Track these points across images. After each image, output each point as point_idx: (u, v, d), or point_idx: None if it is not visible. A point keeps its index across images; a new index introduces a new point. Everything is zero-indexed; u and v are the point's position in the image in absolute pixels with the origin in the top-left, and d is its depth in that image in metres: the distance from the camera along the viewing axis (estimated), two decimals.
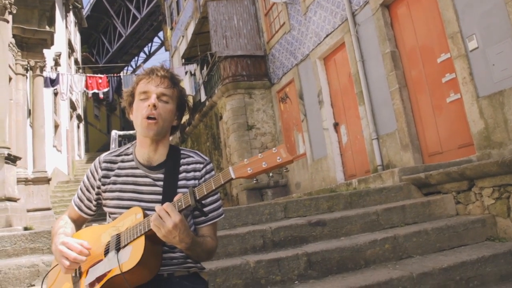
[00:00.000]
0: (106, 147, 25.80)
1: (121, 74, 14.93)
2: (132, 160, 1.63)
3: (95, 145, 26.01)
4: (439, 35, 5.67)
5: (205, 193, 1.33)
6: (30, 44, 9.82)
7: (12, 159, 7.10)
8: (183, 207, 1.35)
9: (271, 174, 1.76)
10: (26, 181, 9.13)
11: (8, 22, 7.66)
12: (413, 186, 4.20)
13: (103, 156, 1.68)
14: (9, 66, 8.30)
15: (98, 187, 1.64)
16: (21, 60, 9.68)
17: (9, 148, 7.13)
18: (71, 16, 19.74)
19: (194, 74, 12.53)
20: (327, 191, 5.54)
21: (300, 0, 9.02)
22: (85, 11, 24.34)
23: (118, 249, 1.41)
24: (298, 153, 9.77)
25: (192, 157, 1.64)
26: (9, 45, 8.03)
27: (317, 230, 3.34)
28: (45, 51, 10.44)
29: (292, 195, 7.87)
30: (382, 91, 6.65)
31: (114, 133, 4.72)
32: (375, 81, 6.83)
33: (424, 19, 5.94)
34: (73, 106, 18.62)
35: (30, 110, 10.34)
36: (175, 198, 1.39)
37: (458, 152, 5.42)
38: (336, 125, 8.29)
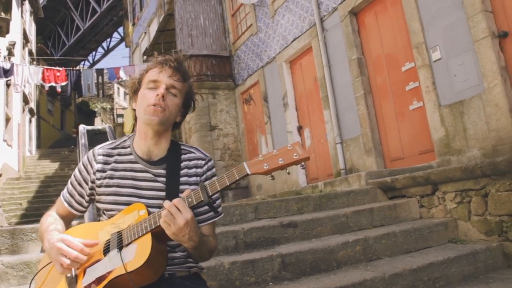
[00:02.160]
0: (59, 143, 24.87)
1: (79, 68, 14.45)
2: (130, 154, 1.54)
3: (48, 141, 24.97)
4: (404, 44, 5.86)
5: (219, 189, 1.28)
6: None
7: None
8: (194, 203, 1.30)
9: (288, 171, 1.77)
10: None
11: None
12: (379, 189, 4.32)
13: (98, 148, 1.58)
14: None
15: (93, 182, 1.53)
16: None
17: None
18: (26, 5, 18.88)
19: None
20: (292, 193, 5.59)
21: (269, 2, 9.07)
22: (41, 1, 23.35)
23: (120, 247, 1.32)
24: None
25: (193, 153, 1.59)
26: None
27: (289, 231, 3.36)
28: None
29: (255, 197, 7.88)
30: (347, 97, 6.79)
31: (83, 127, 4.54)
32: (341, 86, 6.97)
33: (390, 28, 6.12)
34: (25, 100, 17.79)
35: None
36: (184, 194, 1.33)
37: (419, 158, 5.62)
38: (300, 128, 8.38)
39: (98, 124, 31.71)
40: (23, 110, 17.66)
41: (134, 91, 1.56)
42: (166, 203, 1.29)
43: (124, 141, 1.60)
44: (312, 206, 3.99)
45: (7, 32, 9.84)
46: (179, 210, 1.27)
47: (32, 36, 21.06)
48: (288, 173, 1.31)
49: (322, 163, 7.70)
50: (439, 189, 3.78)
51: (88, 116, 33.43)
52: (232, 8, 11.11)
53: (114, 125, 20.18)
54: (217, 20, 11.36)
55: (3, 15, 9.42)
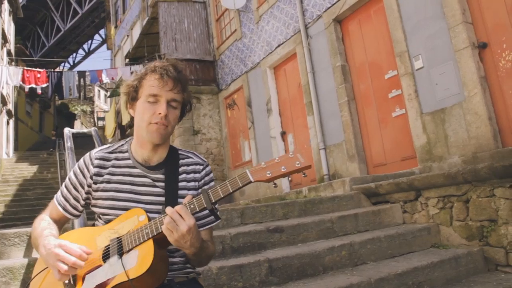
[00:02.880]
0: (37, 146, 24.41)
1: (60, 69, 14.22)
2: (128, 159, 1.52)
3: (25, 143, 24.48)
4: (387, 52, 5.97)
5: (222, 196, 1.28)
6: None
7: None
8: (197, 209, 1.29)
9: (289, 179, 1.78)
10: None
11: None
12: (363, 195, 4.38)
13: (95, 152, 1.56)
14: None
15: (89, 186, 1.51)
16: None
17: None
18: (5, 4, 18.54)
19: None
20: (276, 198, 5.62)
21: (254, 8, 9.13)
22: (21, 0, 22.96)
23: (121, 254, 1.31)
24: (243, 160, 9.82)
25: (191, 158, 1.58)
26: None
27: (275, 236, 3.38)
28: None
29: (238, 202, 7.88)
30: (331, 103, 6.88)
31: (68, 130, 4.49)
32: (324, 93, 7.05)
33: (374, 36, 6.23)
34: (3, 101, 17.43)
35: None
36: (185, 200, 1.33)
37: (401, 164, 5.72)
38: (283, 134, 8.44)
39: (78, 126, 31.27)
40: (1, 112, 17.30)
41: (131, 98, 1.52)
42: (169, 210, 1.29)
43: (122, 145, 1.58)
44: (298, 211, 4.02)
45: None
46: (182, 217, 1.27)
47: (11, 36, 20.67)
48: (291, 180, 1.33)
49: None
50: (422, 195, 3.86)
51: (68, 118, 32.93)
52: (216, 13, 11.13)
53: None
54: (201, 25, 11.37)
55: None
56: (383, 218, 3.88)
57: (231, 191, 1.28)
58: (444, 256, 3.17)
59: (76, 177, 1.54)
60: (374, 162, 6.25)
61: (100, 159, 1.53)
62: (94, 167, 1.52)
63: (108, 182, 1.50)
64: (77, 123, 34.29)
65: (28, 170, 15.37)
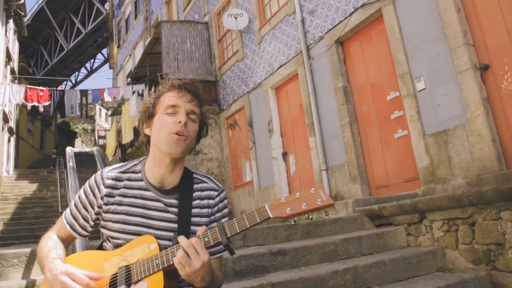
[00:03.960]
0: (38, 164, 24.36)
1: (62, 88, 14.29)
2: (141, 180, 1.46)
3: (26, 161, 24.45)
4: (389, 74, 5.99)
5: (238, 231, 1.24)
6: None
7: None
8: (211, 243, 1.24)
9: (310, 216, 1.71)
10: None
11: None
12: (366, 217, 4.33)
13: (106, 171, 1.49)
14: None
15: (99, 206, 1.45)
16: None
17: None
18: (11, 23, 18.75)
19: (142, 95, 12.28)
20: (278, 220, 5.54)
21: (256, 30, 9.21)
22: (26, 19, 23.22)
23: (128, 284, 1.25)
24: (244, 180, 9.78)
25: (206, 182, 1.53)
26: None
27: (278, 259, 3.32)
28: None
29: None
30: (333, 124, 6.87)
31: (70, 149, 4.46)
32: (326, 114, 7.05)
33: (375, 58, 6.27)
34: (5, 118, 17.47)
35: None
36: (200, 232, 1.27)
37: (404, 186, 5.68)
38: (284, 154, 8.41)
39: (79, 145, 31.26)
40: (2, 129, 17.32)
41: (148, 116, 1.49)
42: (184, 242, 1.23)
43: (135, 165, 1.52)
44: (300, 233, 3.96)
45: None
46: (197, 252, 1.22)
47: (15, 55, 20.85)
48: (311, 218, 1.29)
49: None
50: (426, 217, 3.81)
51: (69, 136, 32.97)
52: (218, 34, 11.24)
53: (94, 146, 19.89)
54: (204, 45, 11.46)
55: None
56: (387, 241, 3.83)
57: (248, 226, 1.24)
58: (450, 280, 3.11)
59: (87, 196, 1.48)
60: (376, 184, 6.21)
61: (112, 179, 1.47)
62: (106, 187, 1.46)
63: (119, 204, 1.44)
64: (77, 141, 34.32)
65: (28, 188, 15.30)
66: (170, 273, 1.26)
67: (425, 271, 3.44)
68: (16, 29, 20.22)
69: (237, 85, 10.09)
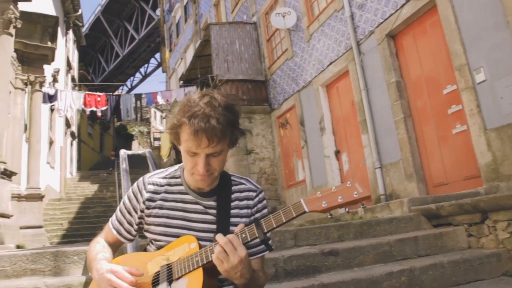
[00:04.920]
0: (98, 166, 25.53)
1: (118, 93, 14.90)
2: (181, 184, 1.50)
3: (87, 163, 25.72)
4: (445, 66, 5.71)
5: (274, 226, 1.24)
6: (31, 59, 9.78)
7: (7, 174, 6.95)
8: (249, 239, 1.25)
9: (347, 210, 1.69)
10: (19, 198, 8.93)
11: (12, 36, 7.64)
12: (423, 217, 4.14)
13: (148, 177, 1.54)
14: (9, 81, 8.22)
15: (142, 211, 1.50)
16: (21, 74, 9.61)
17: (5, 163, 6.99)
18: (70, 34, 19.79)
19: None
20: (331, 219, 5.44)
21: (304, 27, 9.12)
22: (83, 29, 24.44)
23: (170, 281, 1.29)
24: (297, 179, 9.71)
25: (244, 184, 1.54)
26: (10, 58, 7.97)
27: (330, 260, 3.25)
28: (44, 67, 10.39)
29: (292, 222, 7.76)
30: (386, 120, 6.66)
31: (123, 152, 4.65)
32: (379, 110, 6.84)
33: (430, 50, 6.00)
34: (67, 123, 18.47)
35: (26, 125, 10.21)
36: (237, 229, 1.29)
37: (464, 184, 5.39)
38: (337, 153, 8.26)
39: (136, 147, 32.44)
40: (65, 134, 18.32)
41: (174, 137, 1.43)
42: (221, 239, 1.25)
43: (175, 170, 1.56)
44: (353, 233, 3.86)
45: (53, 60, 10.28)
46: (234, 247, 1.23)
47: (75, 63, 22.01)
48: (348, 212, 1.25)
49: None
50: (489, 218, 3.58)
51: (126, 139, 34.31)
52: (267, 33, 11.24)
53: (151, 148, 20.59)
54: (253, 45, 11.51)
55: (49, 44, 9.86)
56: (446, 242, 3.63)
57: (284, 221, 1.23)
58: None
59: (130, 201, 1.53)
60: (434, 182, 5.94)
61: (153, 184, 1.51)
62: (147, 192, 1.50)
63: (161, 208, 1.48)
64: (134, 143, 35.63)
65: (89, 188, 16.08)
66: (210, 271, 1.28)
67: (489, 275, 3.23)
68: (75, 39, 21.31)
69: (287, 84, 10.04)
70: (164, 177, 1.53)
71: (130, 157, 4.52)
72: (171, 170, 1.57)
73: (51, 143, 14.76)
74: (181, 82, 15.62)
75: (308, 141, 9.15)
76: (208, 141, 1.31)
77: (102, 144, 30.61)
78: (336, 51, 8.00)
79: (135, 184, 1.56)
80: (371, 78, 7.05)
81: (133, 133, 36.89)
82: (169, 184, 1.51)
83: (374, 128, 6.94)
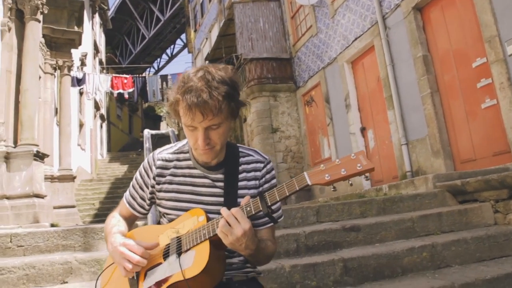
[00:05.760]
0: (127, 147, 26.09)
1: (146, 75, 15.09)
2: (189, 159, 1.52)
3: (117, 145, 26.31)
4: (474, 39, 5.52)
5: (278, 199, 1.25)
6: (59, 44, 9.97)
7: (40, 156, 7.19)
8: (253, 212, 1.27)
9: (350, 182, 1.69)
10: (52, 179, 9.26)
11: (39, 22, 7.78)
12: (448, 193, 4.08)
13: (157, 153, 1.57)
14: (39, 65, 8.44)
15: (152, 186, 1.54)
16: (50, 59, 9.83)
17: (37, 146, 7.23)
18: (97, 18, 20.04)
19: None
20: (355, 196, 5.44)
21: (328, 3, 8.94)
22: (109, 13, 24.66)
23: (179, 253, 1.33)
24: (323, 157, 9.67)
25: (251, 155, 1.54)
26: (39, 44, 8.16)
27: (351, 235, 3.26)
28: (72, 51, 10.59)
29: (317, 199, 7.78)
30: (412, 96, 6.52)
31: (147, 132, 4.71)
32: (405, 86, 6.70)
33: (459, 22, 5.79)
34: (97, 106, 18.88)
35: (57, 109, 10.51)
36: (243, 202, 1.31)
37: (493, 160, 5.26)
38: (363, 130, 8.17)
39: (164, 128, 32.90)
40: (95, 116, 18.74)
41: (175, 114, 1.44)
42: (224, 212, 1.27)
43: (183, 145, 1.57)
44: (376, 209, 3.85)
45: (80, 44, 10.46)
46: (238, 220, 1.25)
47: (102, 47, 22.32)
48: (351, 184, 1.25)
49: (387, 166, 7.44)
50: None
51: (154, 120, 34.79)
52: (291, 10, 11.08)
53: (178, 129, 20.85)
54: (277, 23, 11.38)
55: (76, 28, 10.01)
56: (471, 218, 3.58)
57: (287, 194, 1.24)
58: None
59: (142, 177, 1.57)
60: (461, 158, 5.82)
61: (162, 160, 1.54)
62: (157, 168, 1.53)
63: (170, 183, 1.51)
64: (162, 124, 36.08)
65: (119, 169, 16.50)
66: (217, 243, 1.31)
67: None
68: (101, 22, 21.57)
69: (312, 61, 9.92)
70: (173, 153, 1.56)
71: (154, 137, 4.60)
72: (179, 145, 1.59)
73: (81, 125, 15.16)
74: (207, 62, 15.65)
75: (333, 118, 9.07)
76: (202, 115, 1.31)
77: (131, 126, 31.17)
78: (361, 26, 7.83)
79: (145, 160, 1.59)
80: (397, 53, 6.88)
81: (161, 114, 37.33)
82: (178, 160, 1.54)
83: (400, 104, 6.81)
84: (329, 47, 9.04)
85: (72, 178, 9.90)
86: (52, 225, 6.47)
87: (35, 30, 7.63)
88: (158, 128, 31.05)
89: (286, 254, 3.06)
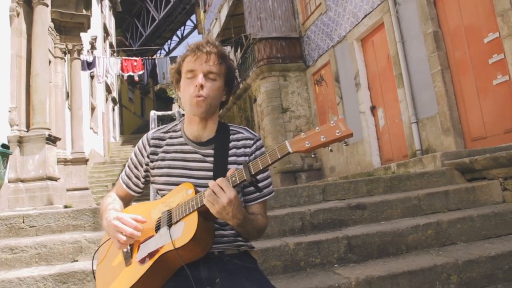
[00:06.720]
0: (140, 130, 26.28)
1: (155, 57, 15.08)
2: (181, 137, 1.59)
3: (129, 127, 26.53)
4: (487, 13, 5.39)
5: (261, 168, 1.29)
6: (68, 27, 9.99)
7: (52, 140, 7.30)
8: (238, 182, 1.32)
9: (330, 148, 1.73)
10: (65, 162, 9.41)
11: (47, 6, 7.79)
12: (456, 171, 4.05)
13: (151, 133, 1.65)
14: (48, 50, 8.48)
15: (147, 164, 1.61)
16: (60, 43, 9.87)
17: (49, 129, 7.33)
18: (106, 1, 19.98)
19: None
20: (364, 175, 5.44)
21: None
22: None
23: (170, 225, 1.39)
24: None
25: (241, 133, 1.60)
26: (48, 29, 8.19)
27: (357, 213, 3.27)
28: (82, 34, 10.62)
29: (327, 178, 7.80)
30: (422, 73, 6.42)
31: (153, 113, 4.75)
32: (415, 63, 6.60)
33: None
34: (108, 89, 18.98)
35: (68, 93, 10.60)
36: (229, 173, 1.35)
37: (504, 137, 5.18)
38: (373, 108, 8.10)
39: (176, 109, 33.00)
40: (106, 100, 18.87)
41: (176, 81, 1.59)
42: (211, 183, 1.33)
43: (176, 125, 1.65)
44: (382, 188, 3.85)
45: (89, 27, 10.46)
46: (223, 189, 1.30)
47: (112, 30, 22.30)
48: (331, 150, 1.28)
49: (397, 144, 7.40)
50: None
51: (166, 102, 34.90)
52: None
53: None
54: (286, 1, 11.22)
55: (84, 12, 9.99)
56: (478, 196, 3.56)
57: (270, 162, 1.28)
58: None
59: (136, 157, 1.65)
60: (472, 136, 5.75)
61: (156, 138, 1.61)
62: (150, 146, 1.60)
63: (163, 159, 1.57)
64: (174, 106, 36.11)
65: (132, 151, 16.65)
66: (206, 214, 1.36)
67: None
68: (110, 5, 21.50)
69: (321, 39, 9.80)
70: (166, 131, 1.63)
71: (160, 119, 4.65)
72: (172, 124, 1.67)
73: (93, 109, 15.29)
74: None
75: (343, 97, 9.00)
76: (206, 56, 1.48)
77: (143, 108, 31.34)
78: (370, 3, 7.68)
79: (140, 141, 1.67)
80: (407, 29, 6.76)
81: (173, 96, 37.40)
82: (170, 138, 1.61)
83: (410, 82, 6.72)
84: (339, 25, 8.92)
85: (85, 161, 10.04)
86: (66, 207, 6.60)
87: (43, 15, 7.65)
88: (170, 110, 31.15)
89: (292, 232, 3.09)
